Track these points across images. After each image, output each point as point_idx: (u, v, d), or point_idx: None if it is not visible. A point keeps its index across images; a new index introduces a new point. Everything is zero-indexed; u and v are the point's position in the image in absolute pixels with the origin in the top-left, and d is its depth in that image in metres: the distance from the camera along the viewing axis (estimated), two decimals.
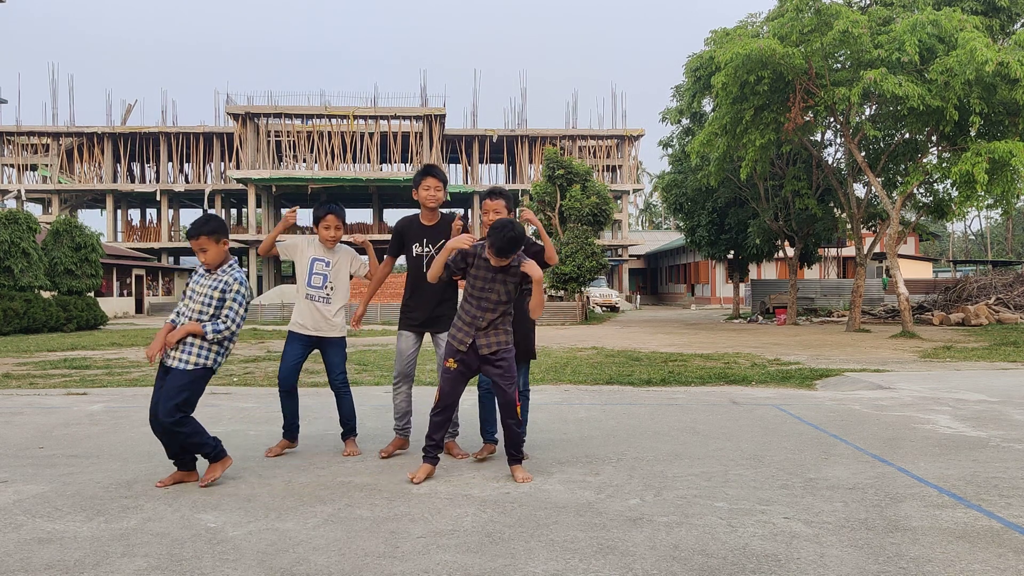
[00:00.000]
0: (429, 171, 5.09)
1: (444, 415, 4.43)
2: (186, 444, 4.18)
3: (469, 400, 7.21)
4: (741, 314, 29.96)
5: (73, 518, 3.65)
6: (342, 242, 5.23)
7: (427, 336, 5.19)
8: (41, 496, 4.05)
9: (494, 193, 4.86)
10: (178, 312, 4.34)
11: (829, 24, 15.93)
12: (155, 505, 3.87)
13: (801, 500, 3.91)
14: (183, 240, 56.00)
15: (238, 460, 4.85)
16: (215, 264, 4.30)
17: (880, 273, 40.42)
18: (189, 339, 4.19)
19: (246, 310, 4.34)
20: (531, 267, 4.26)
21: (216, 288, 4.26)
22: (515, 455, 4.44)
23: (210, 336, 4.18)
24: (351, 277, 5.30)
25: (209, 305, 4.24)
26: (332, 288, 5.11)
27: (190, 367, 4.17)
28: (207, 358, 4.22)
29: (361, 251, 5.44)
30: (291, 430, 5.14)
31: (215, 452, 4.25)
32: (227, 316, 4.24)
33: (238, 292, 4.26)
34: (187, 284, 4.40)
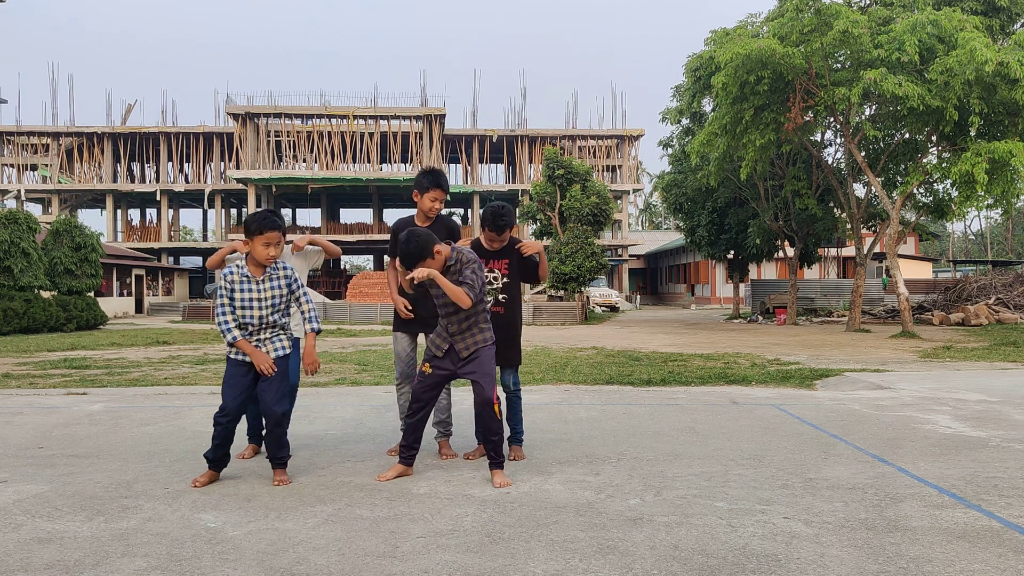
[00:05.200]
0: (438, 183, 5.02)
1: (416, 417, 4.39)
2: (279, 441, 4.30)
3: (468, 401, 7.21)
4: (741, 314, 29.96)
5: (73, 518, 3.65)
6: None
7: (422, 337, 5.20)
8: (41, 496, 4.04)
9: (498, 227, 4.83)
10: (236, 326, 4.26)
11: (829, 24, 15.93)
12: (155, 505, 3.87)
13: (801, 500, 3.91)
14: (183, 240, 56.09)
15: (238, 460, 4.86)
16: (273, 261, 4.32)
17: (880, 273, 40.43)
18: (279, 331, 4.37)
19: None
20: (418, 272, 4.15)
21: (277, 286, 4.32)
22: (493, 459, 4.31)
23: (320, 331, 4.44)
24: (314, 266, 5.23)
25: (279, 303, 4.34)
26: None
27: (285, 351, 4.38)
28: (285, 345, 4.43)
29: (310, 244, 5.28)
30: (257, 434, 5.10)
31: (287, 459, 4.40)
32: (308, 302, 4.43)
33: (297, 279, 4.43)
34: (229, 296, 4.26)
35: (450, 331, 4.38)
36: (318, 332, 4.39)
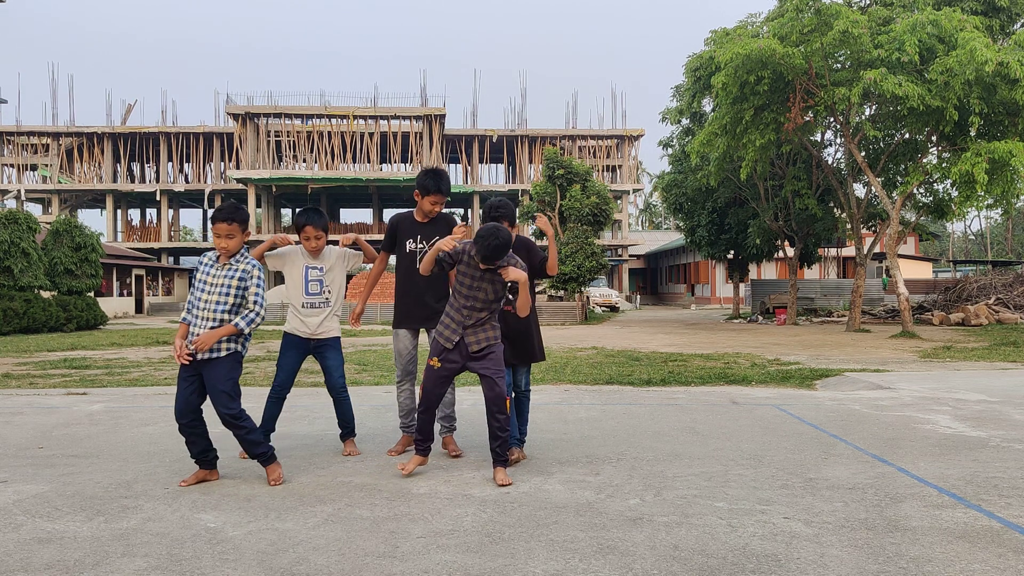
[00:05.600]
0: (439, 188, 4.99)
1: (429, 413, 4.42)
2: (246, 441, 4.21)
3: (468, 400, 7.22)
4: (741, 314, 29.96)
5: (73, 518, 3.65)
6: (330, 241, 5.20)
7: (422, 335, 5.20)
8: (41, 496, 4.04)
9: (497, 217, 4.78)
10: (188, 308, 4.27)
11: (829, 24, 15.93)
12: (155, 505, 3.87)
13: (801, 500, 3.91)
14: (183, 240, 56.07)
15: (238, 460, 4.85)
16: (233, 253, 4.25)
17: (880, 273, 40.43)
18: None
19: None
20: (514, 273, 4.23)
21: (233, 277, 4.22)
22: (500, 455, 4.35)
23: (247, 330, 4.21)
24: (350, 277, 5.29)
25: (227, 295, 4.20)
26: (329, 292, 5.10)
27: (223, 354, 4.18)
28: (236, 342, 4.26)
29: (353, 245, 5.38)
30: (267, 435, 5.06)
31: (271, 453, 4.30)
32: (255, 302, 4.23)
33: (259, 277, 4.28)
34: (194, 276, 4.31)
35: (465, 324, 4.37)
36: (240, 332, 4.18)
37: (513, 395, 4.95)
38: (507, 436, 4.36)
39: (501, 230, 4.17)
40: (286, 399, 5.11)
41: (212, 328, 4.14)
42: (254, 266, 4.28)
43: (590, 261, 27.01)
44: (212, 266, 4.26)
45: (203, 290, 4.23)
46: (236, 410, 4.16)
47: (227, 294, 4.20)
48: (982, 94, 15.46)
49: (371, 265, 5.41)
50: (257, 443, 4.24)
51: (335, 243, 5.31)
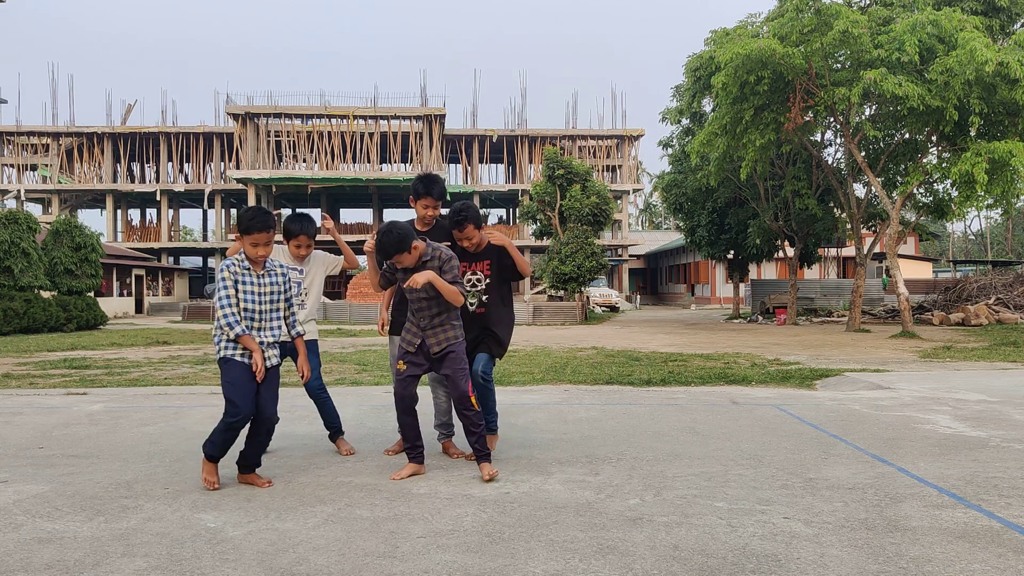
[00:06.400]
0: (429, 191, 4.93)
1: (408, 416, 4.45)
2: (262, 446, 4.32)
3: None
4: (741, 314, 29.96)
5: (73, 518, 3.65)
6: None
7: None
8: (41, 496, 4.04)
9: (458, 222, 4.80)
10: (249, 317, 4.17)
11: (829, 24, 15.92)
12: (155, 505, 3.87)
13: (801, 500, 3.91)
14: (183, 240, 56.07)
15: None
16: (264, 260, 4.27)
17: (880, 273, 40.43)
18: (274, 343, 4.31)
19: None
20: (420, 279, 4.23)
21: (275, 282, 4.29)
22: (479, 450, 4.42)
23: (302, 335, 4.48)
24: (349, 278, 5.34)
25: (278, 300, 4.31)
26: (306, 294, 5.15)
27: (274, 361, 4.32)
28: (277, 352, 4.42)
29: (335, 250, 5.45)
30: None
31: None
32: (298, 306, 4.47)
33: (292, 280, 4.45)
34: (232, 288, 4.12)
35: (421, 326, 4.45)
36: (303, 337, 4.47)
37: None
38: (481, 431, 4.41)
39: (391, 229, 4.28)
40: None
41: (275, 338, 4.27)
42: (284, 266, 4.41)
43: (590, 261, 27.01)
44: (250, 272, 4.21)
45: (255, 301, 4.19)
46: (276, 416, 4.34)
47: (278, 299, 4.31)
48: (982, 94, 15.46)
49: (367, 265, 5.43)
50: (262, 452, 4.40)
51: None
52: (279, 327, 4.32)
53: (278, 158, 50.11)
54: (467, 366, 4.48)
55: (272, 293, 4.25)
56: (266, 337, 4.22)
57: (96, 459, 4.94)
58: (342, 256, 5.45)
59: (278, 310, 4.30)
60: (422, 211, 5.03)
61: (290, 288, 4.39)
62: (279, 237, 4.53)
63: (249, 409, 4.12)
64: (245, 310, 4.16)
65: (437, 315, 4.43)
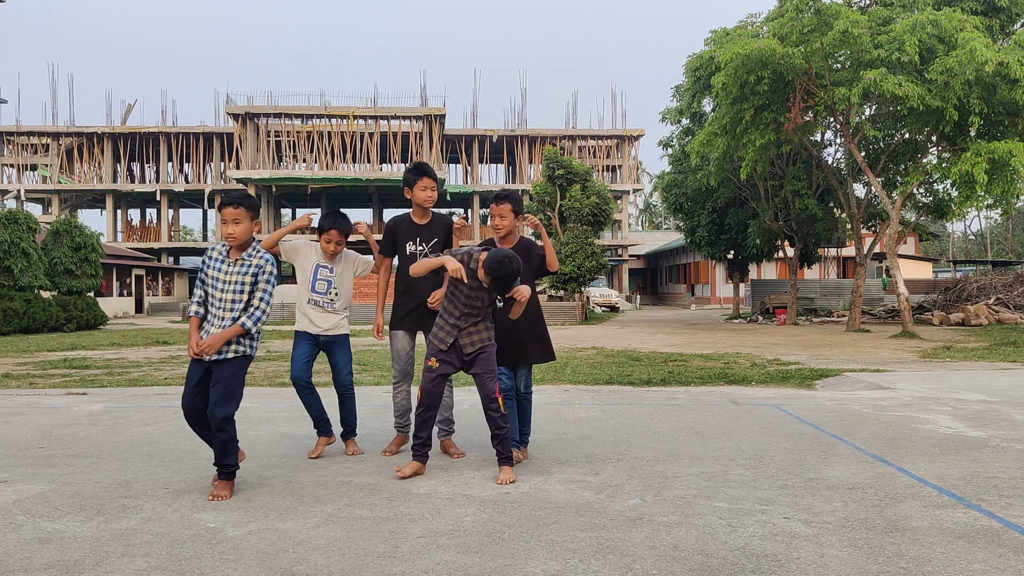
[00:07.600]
0: (424, 171, 5.07)
1: (429, 413, 4.44)
2: (224, 448, 4.01)
3: (468, 401, 7.22)
4: (741, 314, 29.96)
5: (73, 518, 3.65)
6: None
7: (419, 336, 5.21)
8: (41, 496, 4.04)
9: (500, 197, 4.87)
10: (199, 302, 4.14)
11: (829, 24, 15.93)
12: (155, 505, 3.87)
13: (801, 500, 3.91)
14: (183, 240, 56.05)
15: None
16: (240, 242, 4.10)
17: (880, 273, 40.43)
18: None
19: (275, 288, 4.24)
20: (521, 292, 4.30)
21: (247, 273, 4.08)
22: (501, 453, 4.40)
23: (254, 330, 4.07)
24: (358, 275, 5.33)
25: (241, 292, 4.06)
26: (336, 294, 5.13)
27: (231, 356, 4.04)
28: (247, 346, 4.13)
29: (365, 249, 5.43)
30: (323, 425, 5.12)
31: (233, 471, 4.10)
32: (261, 300, 4.08)
33: (271, 274, 4.13)
34: (204, 272, 4.14)
35: (460, 327, 4.43)
36: (247, 331, 4.03)
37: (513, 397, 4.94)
38: (505, 433, 4.38)
39: (511, 262, 4.18)
40: (312, 391, 5.06)
41: (225, 327, 4.04)
42: (267, 260, 4.14)
43: (590, 261, 27.01)
44: (223, 261, 4.10)
45: (216, 287, 4.08)
46: (230, 414, 4.00)
47: (241, 291, 4.07)
48: (982, 94, 15.46)
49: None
50: (232, 453, 4.05)
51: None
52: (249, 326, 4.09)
53: (278, 158, 50.12)
54: (496, 369, 4.47)
55: (237, 283, 4.06)
56: (226, 325, 4.04)
57: (96, 459, 4.94)
58: (372, 258, 5.40)
59: (241, 300, 4.07)
60: (421, 195, 5.04)
61: (264, 279, 4.11)
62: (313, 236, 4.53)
63: (186, 404, 4.09)
64: (206, 295, 4.15)
65: (484, 318, 4.46)
